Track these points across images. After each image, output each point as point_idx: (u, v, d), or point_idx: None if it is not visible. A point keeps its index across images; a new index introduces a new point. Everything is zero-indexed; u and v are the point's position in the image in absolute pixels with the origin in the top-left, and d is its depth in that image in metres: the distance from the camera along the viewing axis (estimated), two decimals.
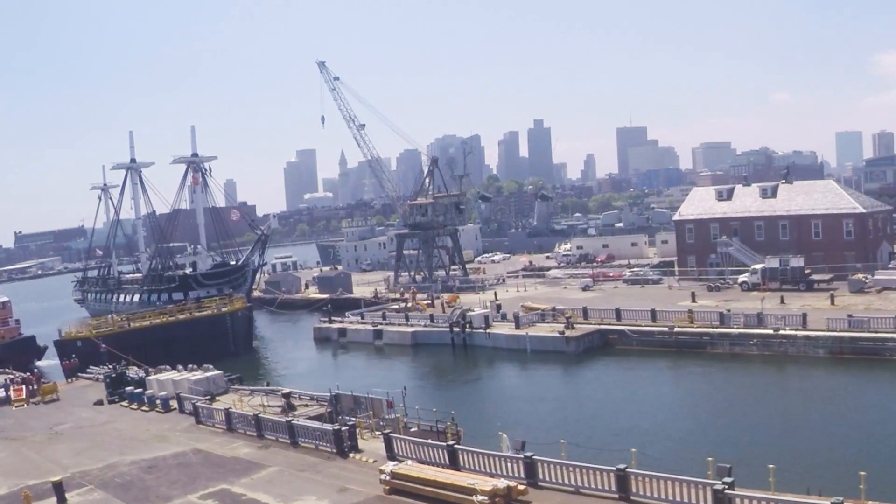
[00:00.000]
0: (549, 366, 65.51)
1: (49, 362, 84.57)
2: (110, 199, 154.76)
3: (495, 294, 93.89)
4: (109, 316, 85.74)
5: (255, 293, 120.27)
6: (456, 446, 33.27)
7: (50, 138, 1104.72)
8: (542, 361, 66.65)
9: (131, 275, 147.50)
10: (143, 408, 51.73)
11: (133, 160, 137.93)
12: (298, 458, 37.71)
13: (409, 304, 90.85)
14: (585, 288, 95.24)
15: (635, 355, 65.65)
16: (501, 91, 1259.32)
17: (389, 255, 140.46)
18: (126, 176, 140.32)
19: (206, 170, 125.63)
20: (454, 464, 32.42)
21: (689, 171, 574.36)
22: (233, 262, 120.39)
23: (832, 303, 68.92)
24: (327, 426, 39.24)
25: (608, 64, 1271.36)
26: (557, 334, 68.21)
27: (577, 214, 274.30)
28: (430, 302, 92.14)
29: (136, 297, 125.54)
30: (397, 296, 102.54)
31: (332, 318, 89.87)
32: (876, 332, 56.65)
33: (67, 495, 34.59)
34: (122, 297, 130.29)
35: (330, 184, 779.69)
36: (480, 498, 28.38)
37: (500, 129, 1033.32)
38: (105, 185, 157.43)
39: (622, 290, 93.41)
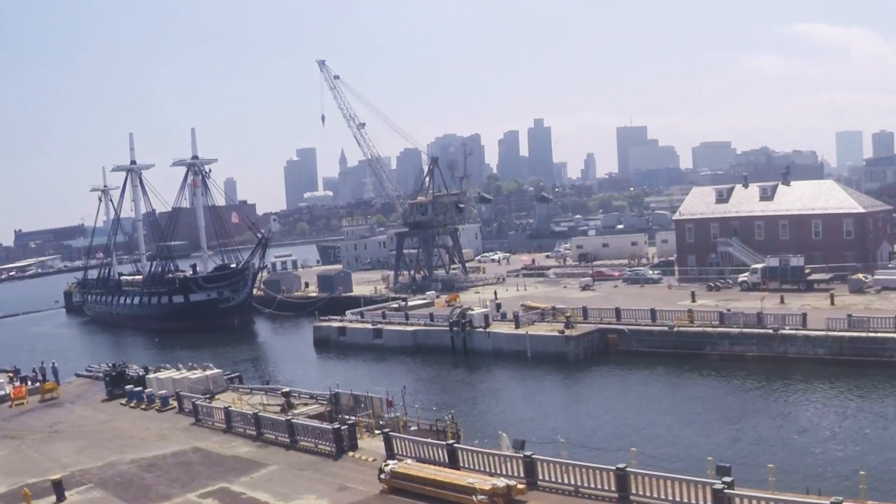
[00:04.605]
0: (548, 365, 65.44)
1: None
2: (111, 200, 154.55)
3: (495, 293, 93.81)
4: None
5: (255, 293, 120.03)
6: (455, 445, 33.26)
7: (50, 138, 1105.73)
8: (542, 360, 66.59)
9: (132, 276, 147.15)
10: (143, 406, 51.77)
11: (133, 162, 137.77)
12: (298, 456, 37.71)
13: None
14: (585, 287, 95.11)
15: (635, 355, 65.57)
16: (501, 91, 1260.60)
17: (389, 254, 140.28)
18: (126, 178, 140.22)
19: (206, 172, 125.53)
20: (454, 463, 32.41)
21: (689, 170, 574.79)
22: (233, 265, 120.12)
23: (832, 303, 68.83)
24: (327, 425, 39.26)
25: (608, 64, 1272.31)
26: (557, 333, 68.12)
27: (578, 216, 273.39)
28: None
29: (137, 300, 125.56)
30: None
31: (331, 318, 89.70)
32: (876, 332, 56.59)
33: (67, 493, 34.62)
34: (122, 299, 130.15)
35: (330, 183, 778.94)
36: (480, 497, 28.36)
37: (500, 129, 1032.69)
38: (105, 186, 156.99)
39: (622, 289, 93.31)
